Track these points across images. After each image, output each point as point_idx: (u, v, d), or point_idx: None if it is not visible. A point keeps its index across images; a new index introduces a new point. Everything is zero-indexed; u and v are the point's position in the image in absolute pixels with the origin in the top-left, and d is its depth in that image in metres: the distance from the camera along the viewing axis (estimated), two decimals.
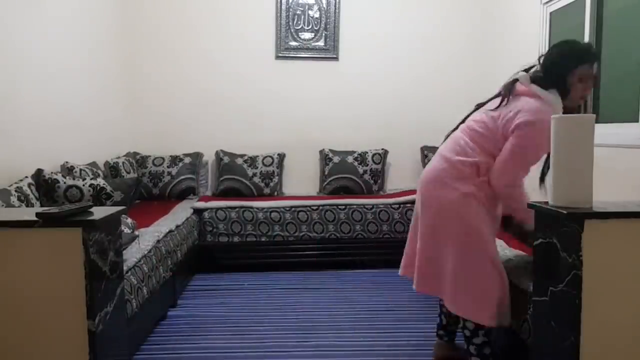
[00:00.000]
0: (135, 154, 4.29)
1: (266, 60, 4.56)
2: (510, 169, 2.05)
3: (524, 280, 2.08)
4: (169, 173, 4.18)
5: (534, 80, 2.08)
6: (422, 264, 2.22)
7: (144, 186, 4.13)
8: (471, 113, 2.29)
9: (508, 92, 2.11)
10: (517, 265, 2.24)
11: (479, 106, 2.28)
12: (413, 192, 4.25)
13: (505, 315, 2.09)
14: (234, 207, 3.91)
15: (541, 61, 2.12)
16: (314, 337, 2.69)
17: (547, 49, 3.62)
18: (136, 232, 2.74)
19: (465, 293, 2.10)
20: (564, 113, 2.02)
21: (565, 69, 2.02)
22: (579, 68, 2.00)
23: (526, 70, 2.16)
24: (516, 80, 2.12)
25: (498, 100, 2.16)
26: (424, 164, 4.54)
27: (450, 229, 2.12)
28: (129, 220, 2.69)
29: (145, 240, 2.73)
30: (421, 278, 2.24)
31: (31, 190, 2.57)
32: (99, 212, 1.79)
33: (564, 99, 2.04)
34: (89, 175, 3.11)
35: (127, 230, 2.58)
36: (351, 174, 4.37)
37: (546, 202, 1.71)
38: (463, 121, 2.29)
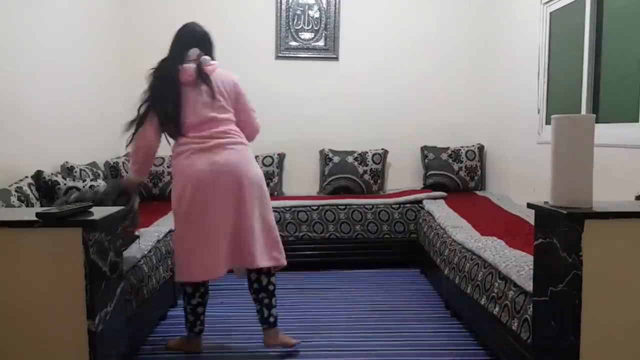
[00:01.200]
0: None
1: (266, 60, 4.56)
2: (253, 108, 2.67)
3: None
4: (169, 173, 4.18)
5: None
6: None
7: (144, 186, 4.13)
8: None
9: (202, 75, 2.50)
10: None
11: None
12: (413, 192, 4.28)
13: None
14: None
15: (198, 44, 2.53)
16: (314, 337, 2.69)
17: (547, 49, 3.64)
18: (137, 233, 2.74)
19: None
20: None
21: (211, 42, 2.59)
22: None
23: None
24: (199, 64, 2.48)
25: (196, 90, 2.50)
26: (424, 164, 4.55)
27: None
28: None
29: (145, 241, 2.73)
30: None
31: (31, 190, 2.57)
32: (99, 212, 1.79)
33: None
34: (89, 176, 3.12)
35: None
36: (351, 174, 4.37)
37: (546, 202, 1.72)
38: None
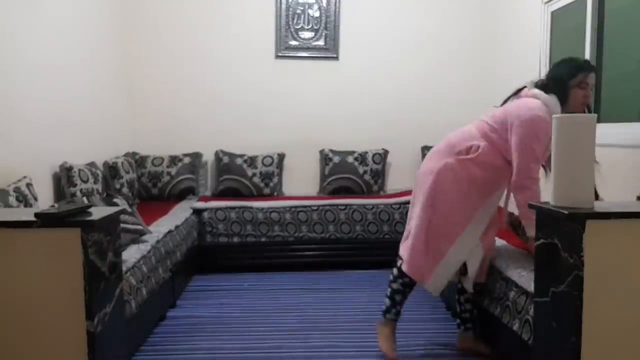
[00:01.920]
0: (135, 154, 4.28)
1: (266, 60, 4.55)
2: (521, 162, 2.19)
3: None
4: (168, 173, 4.17)
5: (537, 86, 2.31)
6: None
7: (143, 186, 4.13)
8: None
9: (513, 94, 2.37)
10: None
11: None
12: None
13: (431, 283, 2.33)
14: (234, 208, 3.91)
15: (547, 74, 2.36)
16: (314, 338, 2.68)
17: (548, 48, 3.63)
18: (140, 227, 2.74)
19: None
20: None
21: (565, 76, 2.22)
22: (578, 76, 2.20)
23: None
24: (524, 87, 2.35)
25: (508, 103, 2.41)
26: None
27: (424, 189, 2.34)
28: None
29: (144, 241, 2.72)
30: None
31: (30, 191, 2.56)
32: (98, 213, 1.78)
33: (563, 105, 2.21)
34: (88, 176, 3.11)
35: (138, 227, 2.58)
36: (351, 174, 4.36)
37: (547, 202, 1.71)
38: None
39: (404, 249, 2.43)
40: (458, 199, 2.28)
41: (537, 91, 2.26)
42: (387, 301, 2.46)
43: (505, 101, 2.40)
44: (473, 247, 2.30)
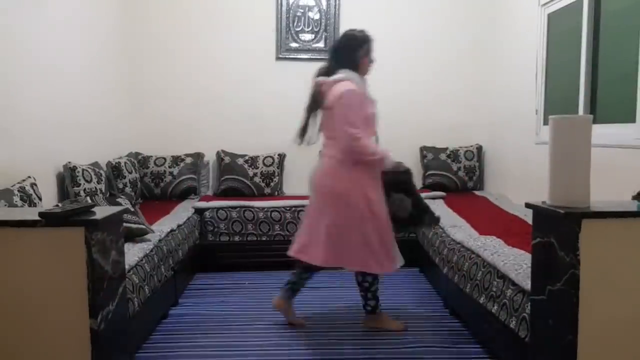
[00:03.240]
0: (137, 154, 4.31)
1: (267, 61, 4.58)
2: (343, 128, 2.57)
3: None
4: (171, 173, 4.20)
5: (330, 71, 2.70)
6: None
7: (146, 186, 4.15)
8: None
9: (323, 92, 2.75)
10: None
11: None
12: None
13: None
14: (235, 207, 3.93)
15: (331, 55, 2.78)
16: (315, 336, 2.71)
17: (544, 50, 3.66)
18: (142, 226, 2.76)
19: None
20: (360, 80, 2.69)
21: (353, 48, 2.69)
22: (363, 48, 2.70)
23: (325, 74, 2.75)
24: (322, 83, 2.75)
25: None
26: (423, 164, 4.56)
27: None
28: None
29: (147, 240, 2.75)
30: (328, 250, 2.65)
31: (34, 190, 2.59)
32: (101, 212, 1.81)
33: (357, 71, 2.69)
34: (91, 177, 3.14)
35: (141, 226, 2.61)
36: None
37: (544, 202, 1.73)
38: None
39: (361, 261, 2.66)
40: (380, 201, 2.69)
41: (337, 76, 2.66)
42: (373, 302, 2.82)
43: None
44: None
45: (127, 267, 2.22)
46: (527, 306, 1.95)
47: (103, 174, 3.39)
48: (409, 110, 4.67)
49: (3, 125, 2.59)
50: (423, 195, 4.12)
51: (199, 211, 3.88)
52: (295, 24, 4.56)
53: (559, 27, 3.52)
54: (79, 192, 3.03)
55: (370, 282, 2.78)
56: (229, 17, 4.52)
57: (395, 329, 2.76)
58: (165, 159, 4.27)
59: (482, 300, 2.39)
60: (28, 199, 2.49)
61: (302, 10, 4.55)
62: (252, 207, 3.93)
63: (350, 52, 2.68)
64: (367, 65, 2.75)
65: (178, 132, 4.53)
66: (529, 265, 1.93)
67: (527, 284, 1.97)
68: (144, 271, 2.48)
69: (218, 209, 3.90)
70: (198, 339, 2.68)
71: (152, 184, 4.17)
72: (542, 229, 1.74)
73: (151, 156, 4.29)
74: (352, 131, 2.54)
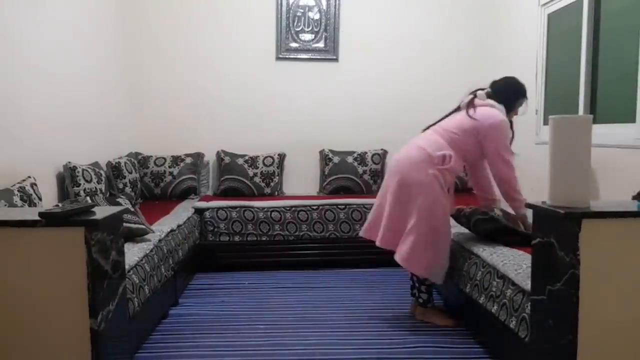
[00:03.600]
0: (137, 154, 4.31)
1: (267, 62, 4.58)
2: (504, 156, 2.71)
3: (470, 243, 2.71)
4: (171, 173, 4.20)
5: (489, 96, 2.84)
6: (390, 226, 2.78)
7: (146, 186, 4.16)
8: (437, 122, 2.96)
9: (470, 105, 2.81)
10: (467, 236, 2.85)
11: (441, 119, 2.97)
12: None
13: (437, 275, 2.77)
14: (235, 207, 3.93)
15: (494, 86, 2.91)
16: (315, 336, 2.71)
17: (544, 50, 3.66)
18: (142, 226, 2.77)
19: (419, 250, 2.69)
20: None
21: (517, 95, 2.86)
22: (519, 101, 2.87)
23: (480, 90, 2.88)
24: (474, 97, 2.83)
25: (460, 112, 2.85)
26: None
27: (419, 201, 2.70)
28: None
29: (146, 240, 2.75)
30: (386, 236, 2.80)
31: (34, 190, 2.59)
32: (101, 212, 1.81)
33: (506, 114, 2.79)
34: (91, 177, 3.13)
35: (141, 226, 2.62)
36: (351, 174, 4.38)
37: (544, 202, 1.73)
38: (430, 126, 2.97)
39: (406, 252, 2.72)
40: (446, 202, 2.74)
41: (492, 101, 2.80)
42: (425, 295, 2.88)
43: (455, 111, 2.90)
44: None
45: (127, 267, 2.22)
46: (527, 306, 1.95)
47: (103, 174, 3.39)
48: (409, 110, 4.66)
49: (3, 125, 2.59)
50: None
51: (199, 211, 3.88)
52: (295, 24, 4.56)
53: (559, 27, 3.52)
54: (79, 192, 3.03)
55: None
56: (229, 17, 4.52)
57: (443, 325, 2.80)
58: (165, 159, 4.27)
59: (481, 300, 2.39)
60: (28, 199, 2.49)
61: (302, 10, 4.56)
62: (252, 207, 3.93)
63: (513, 96, 2.86)
64: (512, 116, 2.87)
65: (178, 132, 4.54)
66: (529, 265, 1.93)
67: (527, 284, 1.97)
68: (144, 271, 2.48)
69: (218, 209, 3.90)
70: (198, 338, 2.68)
71: (152, 184, 4.17)
72: (542, 229, 1.74)
73: (151, 156, 4.29)
74: (509, 158, 2.71)
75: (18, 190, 2.45)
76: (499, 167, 2.72)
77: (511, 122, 2.82)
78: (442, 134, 2.80)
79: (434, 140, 2.79)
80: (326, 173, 4.45)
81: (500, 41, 4.41)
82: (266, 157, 4.40)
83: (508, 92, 2.85)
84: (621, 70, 2.85)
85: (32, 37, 2.88)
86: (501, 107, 2.78)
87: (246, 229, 3.91)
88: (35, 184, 2.65)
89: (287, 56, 4.59)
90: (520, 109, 2.89)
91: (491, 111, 2.75)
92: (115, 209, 1.92)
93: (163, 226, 3.13)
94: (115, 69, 4.16)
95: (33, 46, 2.89)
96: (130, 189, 3.80)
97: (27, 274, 1.71)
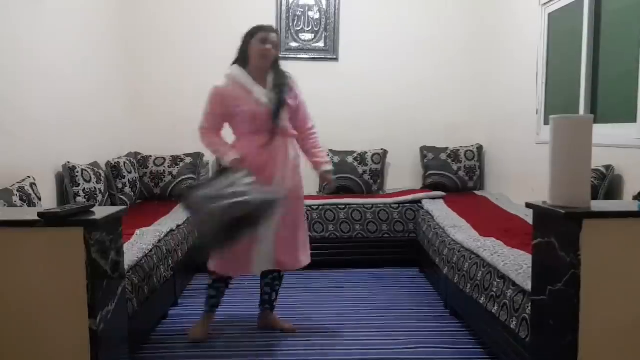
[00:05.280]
0: (137, 154, 4.30)
1: None
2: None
3: None
4: (170, 173, 4.19)
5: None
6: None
7: (146, 186, 4.15)
8: None
9: None
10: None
11: None
12: (412, 192, 4.29)
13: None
14: None
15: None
16: (314, 336, 2.70)
17: (545, 50, 3.65)
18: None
19: None
20: (257, 73, 2.69)
21: (244, 40, 2.68)
22: (256, 35, 2.62)
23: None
24: None
25: None
26: (423, 164, 4.56)
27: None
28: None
29: (146, 240, 2.74)
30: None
31: (33, 190, 2.58)
32: (100, 212, 1.80)
33: (246, 67, 2.69)
34: (92, 176, 3.13)
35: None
36: (351, 174, 4.38)
37: (545, 202, 1.73)
38: None
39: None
40: None
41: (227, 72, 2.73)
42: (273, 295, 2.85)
43: None
44: None
45: (126, 267, 2.22)
46: (527, 306, 1.95)
47: (102, 174, 3.38)
48: (409, 110, 4.68)
49: (2, 125, 2.59)
50: (422, 195, 4.15)
51: None
52: (295, 23, 4.56)
53: (560, 26, 3.51)
54: (78, 192, 3.02)
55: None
56: (228, 17, 4.51)
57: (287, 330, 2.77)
58: (164, 158, 4.26)
59: (482, 300, 2.39)
60: (27, 199, 2.48)
61: (302, 10, 4.55)
62: None
63: (242, 45, 2.72)
64: (255, 52, 2.63)
65: (178, 132, 4.52)
66: (530, 265, 1.92)
67: (527, 285, 1.96)
68: (143, 271, 2.47)
69: None
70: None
71: (152, 184, 4.16)
72: (543, 229, 1.74)
73: (151, 156, 4.28)
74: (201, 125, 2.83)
75: (17, 190, 2.45)
76: None
77: (264, 52, 2.61)
78: None
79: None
80: None
81: (500, 41, 4.41)
82: None
83: (239, 48, 2.74)
84: (622, 69, 2.84)
85: (30, 36, 2.88)
86: (234, 67, 2.73)
87: None
88: (35, 184, 2.64)
89: (287, 56, 4.57)
90: (258, 42, 2.61)
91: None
92: (114, 209, 1.92)
93: (162, 226, 3.13)
94: (115, 69, 4.15)
95: (32, 46, 2.89)
96: (130, 189, 3.79)
97: (26, 274, 1.71)
